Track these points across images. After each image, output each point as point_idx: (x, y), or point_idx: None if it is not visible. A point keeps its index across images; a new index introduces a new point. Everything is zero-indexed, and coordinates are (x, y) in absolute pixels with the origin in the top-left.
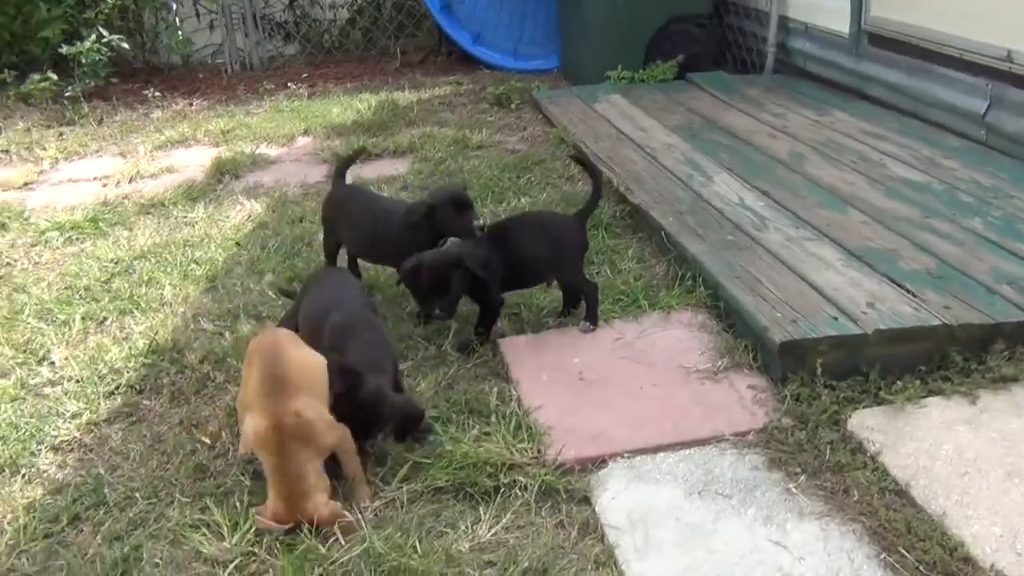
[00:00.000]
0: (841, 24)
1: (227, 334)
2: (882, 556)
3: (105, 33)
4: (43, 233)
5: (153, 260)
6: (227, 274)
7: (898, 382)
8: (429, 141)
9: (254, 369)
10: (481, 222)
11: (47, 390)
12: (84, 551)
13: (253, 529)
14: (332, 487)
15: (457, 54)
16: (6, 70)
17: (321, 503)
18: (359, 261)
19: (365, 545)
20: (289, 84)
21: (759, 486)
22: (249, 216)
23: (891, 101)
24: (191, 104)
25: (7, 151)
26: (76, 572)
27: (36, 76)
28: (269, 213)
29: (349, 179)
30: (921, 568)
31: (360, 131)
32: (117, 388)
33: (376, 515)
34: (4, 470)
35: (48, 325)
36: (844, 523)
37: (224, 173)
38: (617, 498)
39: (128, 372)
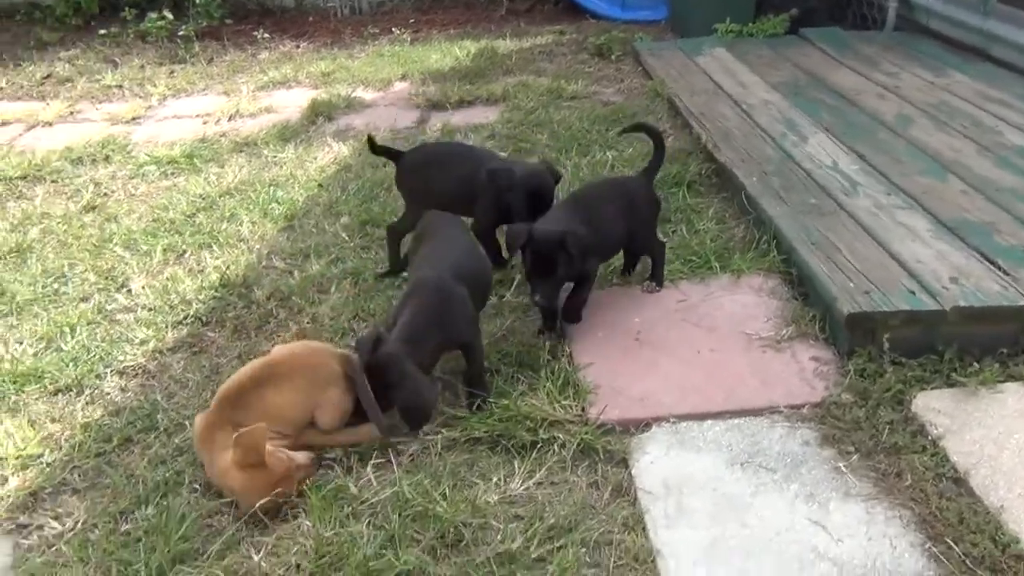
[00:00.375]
0: None
1: (296, 273)
2: (927, 546)
3: None
4: (141, 166)
5: (238, 197)
6: (305, 214)
7: (975, 364)
8: (523, 90)
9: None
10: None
11: (121, 316)
12: (130, 472)
13: None
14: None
15: (564, 3)
16: (127, 8)
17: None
18: None
19: (395, 489)
20: (394, 29)
21: (807, 462)
22: (335, 159)
23: (1018, 64)
24: (298, 47)
25: (120, 86)
26: (120, 491)
27: (154, 15)
28: (354, 156)
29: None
30: (967, 562)
31: (456, 78)
32: (185, 319)
33: (412, 460)
34: (71, 390)
35: (132, 255)
36: (892, 508)
37: (319, 115)
38: (656, 463)
39: (197, 304)
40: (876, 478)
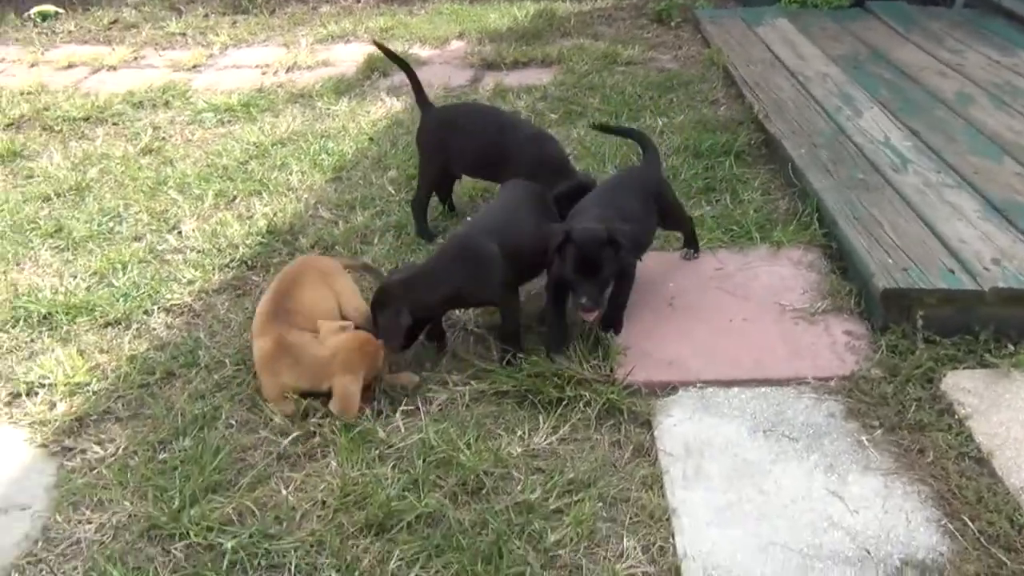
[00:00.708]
0: None
1: (341, 223)
2: (943, 522)
3: None
4: (199, 113)
5: (289, 147)
6: (354, 167)
7: (1010, 346)
8: (578, 53)
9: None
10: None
11: (170, 256)
12: (170, 404)
13: (318, 413)
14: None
15: None
16: None
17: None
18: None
19: (421, 435)
20: None
21: (830, 433)
22: (387, 113)
23: None
24: (358, 1)
25: (184, 34)
26: (159, 421)
27: None
28: (406, 112)
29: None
30: (982, 539)
31: (513, 38)
32: (231, 262)
33: (440, 409)
34: (119, 324)
35: (184, 198)
36: (910, 483)
37: (374, 70)
38: (679, 425)
39: (244, 248)
40: (898, 453)
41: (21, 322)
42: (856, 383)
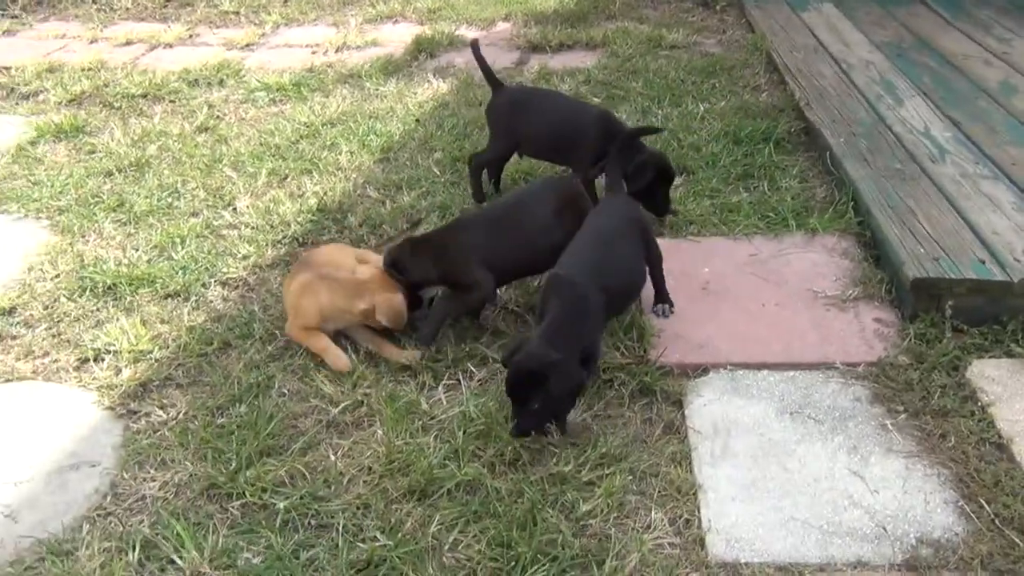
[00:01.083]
0: None
1: (388, 203)
2: (960, 504)
3: None
4: (252, 92)
5: (339, 127)
6: (401, 148)
7: None
8: (623, 36)
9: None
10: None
11: (226, 232)
12: (227, 373)
13: (367, 383)
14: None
15: None
16: None
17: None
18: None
19: (462, 408)
20: None
21: (855, 417)
22: (434, 95)
23: None
24: None
25: (237, 12)
26: (217, 389)
27: None
28: (452, 94)
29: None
30: (997, 521)
31: (559, 20)
32: (283, 238)
33: (480, 384)
34: (179, 295)
35: (239, 175)
36: (931, 466)
37: (421, 51)
38: (708, 405)
39: (295, 225)
40: (920, 437)
41: (88, 292)
42: (883, 369)
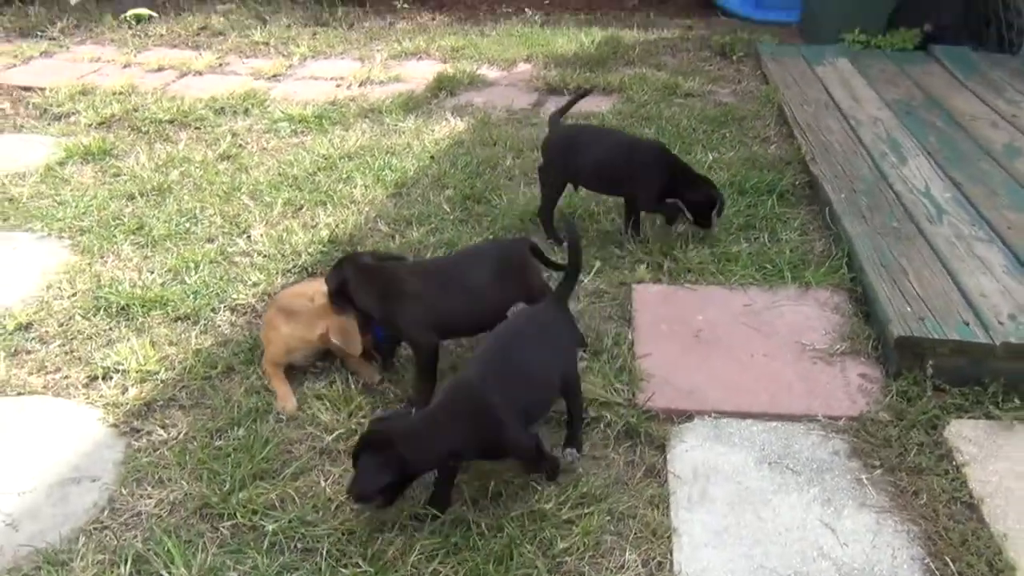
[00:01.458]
0: None
1: (397, 238)
2: (925, 561)
3: None
4: (275, 122)
5: (356, 161)
6: (414, 184)
7: (1017, 400)
8: (639, 83)
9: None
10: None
11: (239, 259)
12: (228, 396)
13: (362, 413)
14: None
15: None
16: None
17: None
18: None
19: None
20: (526, 9)
21: (832, 470)
22: (450, 132)
23: None
24: (433, 19)
25: (267, 43)
26: (218, 411)
27: None
28: (469, 132)
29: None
30: None
31: (578, 64)
32: (293, 267)
33: None
34: (188, 319)
35: (256, 204)
36: (902, 522)
37: (442, 89)
38: (691, 451)
39: (306, 255)
40: (894, 493)
41: (102, 311)
42: (864, 424)
